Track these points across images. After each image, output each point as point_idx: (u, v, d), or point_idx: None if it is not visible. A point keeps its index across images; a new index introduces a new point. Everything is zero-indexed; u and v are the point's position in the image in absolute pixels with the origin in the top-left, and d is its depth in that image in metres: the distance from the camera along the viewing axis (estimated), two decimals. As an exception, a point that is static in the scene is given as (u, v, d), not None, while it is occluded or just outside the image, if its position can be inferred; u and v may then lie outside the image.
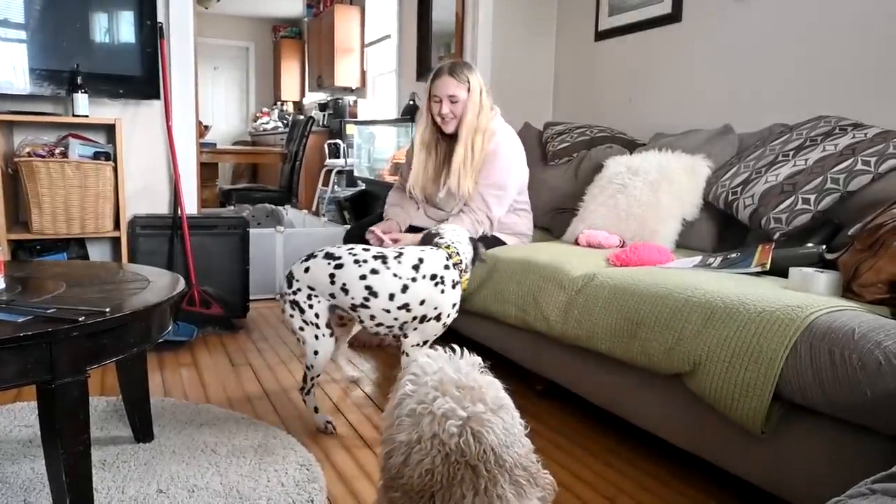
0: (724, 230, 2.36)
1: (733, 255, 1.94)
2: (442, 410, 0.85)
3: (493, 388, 0.91)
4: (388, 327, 1.88)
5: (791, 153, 2.11)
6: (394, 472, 0.88)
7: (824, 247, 1.77)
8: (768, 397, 1.33)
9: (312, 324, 1.88)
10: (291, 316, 1.90)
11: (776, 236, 2.02)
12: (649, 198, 2.39)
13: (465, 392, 0.88)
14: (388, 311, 1.84)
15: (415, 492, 0.84)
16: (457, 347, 0.96)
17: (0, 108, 2.67)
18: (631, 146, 2.89)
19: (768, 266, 1.78)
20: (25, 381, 1.22)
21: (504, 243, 2.61)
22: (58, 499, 1.29)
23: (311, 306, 1.88)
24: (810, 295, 1.47)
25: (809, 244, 1.84)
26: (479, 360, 0.95)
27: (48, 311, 1.27)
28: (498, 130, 2.53)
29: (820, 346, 1.27)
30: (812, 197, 1.97)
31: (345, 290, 1.83)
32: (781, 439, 1.38)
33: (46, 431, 1.28)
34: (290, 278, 1.92)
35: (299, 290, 1.88)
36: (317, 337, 1.88)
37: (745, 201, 2.14)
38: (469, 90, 2.44)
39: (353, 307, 1.85)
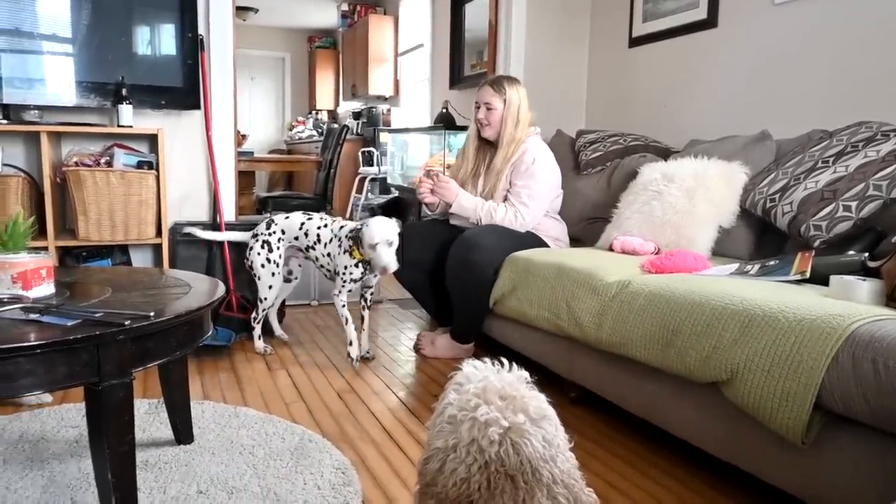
0: (762, 238, 2.32)
1: (771, 263, 1.91)
2: (485, 418, 0.84)
3: (537, 400, 0.90)
4: (326, 268, 2.61)
5: (831, 159, 2.07)
6: (429, 478, 0.88)
7: (866, 255, 1.74)
8: (809, 407, 1.31)
9: (274, 262, 2.60)
10: (258, 253, 2.59)
11: (816, 244, 1.99)
12: (685, 205, 2.37)
13: (507, 402, 0.87)
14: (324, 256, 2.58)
15: (450, 500, 0.84)
16: (504, 360, 0.95)
17: (49, 119, 2.77)
18: (665, 154, 2.86)
19: (808, 274, 1.75)
20: (74, 383, 1.26)
21: (545, 244, 2.70)
22: (104, 497, 1.33)
23: (278, 247, 2.62)
24: (852, 304, 1.44)
25: (851, 252, 1.80)
26: (525, 374, 0.94)
27: (96, 315, 1.31)
28: (531, 145, 2.70)
29: (863, 355, 1.24)
30: (853, 204, 1.93)
31: (306, 235, 2.61)
32: (822, 449, 1.36)
33: (93, 432, 1.32)
34: (269, 223, 2.65)
35: (274, 232, 2.62)
36: (273, 274, 2.61)
37: (784, 208, 2.11)
38: (506, 102, 2.68)
39: (308, 248, 2.63)
